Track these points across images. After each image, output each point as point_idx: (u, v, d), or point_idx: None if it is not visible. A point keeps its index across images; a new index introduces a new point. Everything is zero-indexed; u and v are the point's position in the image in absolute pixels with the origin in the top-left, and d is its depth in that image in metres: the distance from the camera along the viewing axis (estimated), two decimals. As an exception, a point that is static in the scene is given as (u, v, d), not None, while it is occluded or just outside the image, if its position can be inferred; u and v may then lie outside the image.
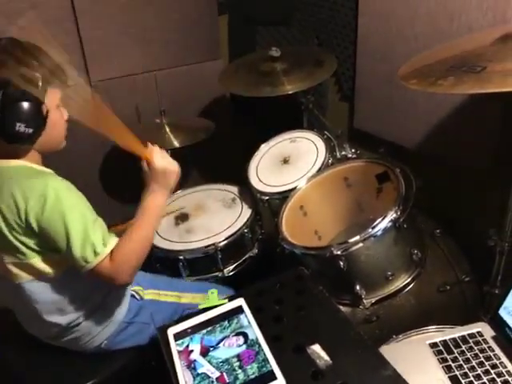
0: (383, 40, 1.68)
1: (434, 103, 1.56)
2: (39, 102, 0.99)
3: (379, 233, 1.09)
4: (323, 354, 0.85)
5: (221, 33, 2.38)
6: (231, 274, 1.50)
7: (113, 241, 1.02)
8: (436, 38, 1.46)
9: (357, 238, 1.09)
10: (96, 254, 0.98)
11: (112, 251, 1.01)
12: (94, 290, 1.13)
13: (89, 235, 0.98)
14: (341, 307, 1.35)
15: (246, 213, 1.56)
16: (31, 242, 1.00)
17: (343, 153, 1.52)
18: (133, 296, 1.23)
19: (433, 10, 1.43)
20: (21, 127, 0.97)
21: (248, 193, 1.63)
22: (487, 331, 0.97)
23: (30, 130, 0.98)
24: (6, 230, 0.98)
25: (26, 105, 0.96)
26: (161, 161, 1.10)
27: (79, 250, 0.97)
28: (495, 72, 0.80)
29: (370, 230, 1.08)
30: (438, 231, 1.48)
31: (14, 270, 1.03)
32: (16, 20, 1.07)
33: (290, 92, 1.59)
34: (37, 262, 1.02)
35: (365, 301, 1.16)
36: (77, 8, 1.81)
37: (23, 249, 1.00)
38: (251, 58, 1.87)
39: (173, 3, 2.03)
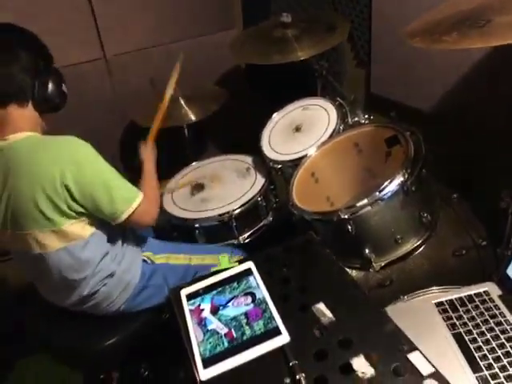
0: (398, 1, 1.63)
1: (451, 63, 1.51)
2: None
3: (386, 196, 1.09)
4: (327, 311, 0.88)
5: (235, 2, 2.35)
6: (246, 241, 1.54)
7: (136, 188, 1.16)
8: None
9: (364, 201, 1.10)
10: (135, 194, 1.12)
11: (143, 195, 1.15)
12: (110, 256, 1.19)
13: (124, 182, 1.12)
14: (353, 271, 1.39)
15: (260, 182, 1.59)
16: (68, 207, 1.05)
17: (356, 119, 1.51)
18: (144, 261, 1.29)
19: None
20: (64, 88, 1.10)
21: (262, 162, 1.65)
22: (494, 290, 0.97)
23: (66, 92, 1.11)
24: (41, 200, 1.03)
25: (58, 70, 1.10)
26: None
27: (122, 196, 1.09)
28: (500, 25, 0.77)
29: (377, 193, 1.09)
30: (455, 196, 1.46)
31: (41, 240, 1.08)
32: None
33: (302, 58, 1.56)
34: (68, 227, 1.08)
35: (374, 264, 1.17)
36: (89, -16, 1.83)
37: (56, 216, 1.05)
38: (263, 25, 1.85)
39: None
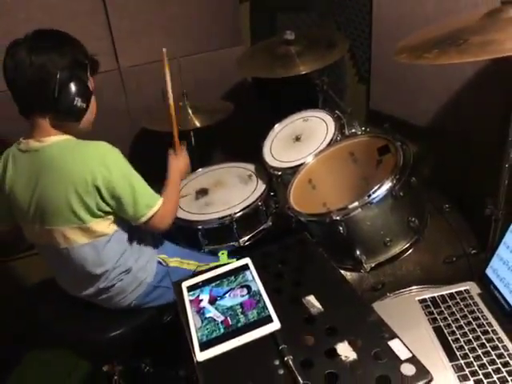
0: (396, 21, 1.72)
1: (447, 81, 1.59)
2: (86, 80, 1.16)
3: (376, 200, 1.17)
4: (316, 303, 0.95)
5: (243, 20, 2.47)
6: (247, 244, 1.61)
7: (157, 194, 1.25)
8: (445, 17, 1.49)
9: (355, 204, 1.18)
10: (156, 200, 1.21)
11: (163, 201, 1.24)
12: (129, 253, 1.28)
13: (147, 188, 1.20)
14: (347, 274, 1.45)
15: (261, 188, 1.66)
16: (97, 206, 1.13)
17: (353, 130, 1.59)
18: (159, 263, 1.37)
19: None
20: (78, 102, 1.13)
21: (264, 170, 1.73)
22: (474, 289, 1.04)
23: (84, 105, 1.15)
24: (72, 199, 1.11)
25: (80, 82, 1.13)
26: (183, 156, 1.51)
27: (144, 200, 1.17)
28: (474, 43, 0.86)
29: (367, 197, 1.16)
30: (447, 206, 1.53)
31: (68, 235, 1.16)
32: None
33: (303, 73, 1.66)
34: (94, 224, 1.16)
35: (365, 265, 1.24)
36: (106, 0, 1.95)
37: (85, 214, 1.13)
38: (268, 42, 1.95)
39: (196, -8, 2.13)
